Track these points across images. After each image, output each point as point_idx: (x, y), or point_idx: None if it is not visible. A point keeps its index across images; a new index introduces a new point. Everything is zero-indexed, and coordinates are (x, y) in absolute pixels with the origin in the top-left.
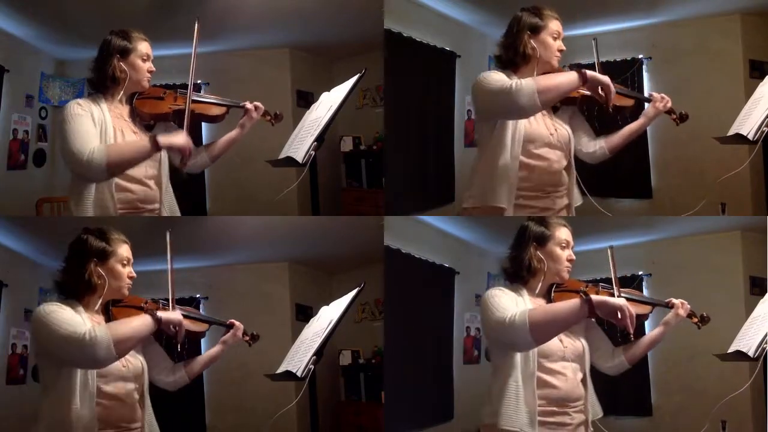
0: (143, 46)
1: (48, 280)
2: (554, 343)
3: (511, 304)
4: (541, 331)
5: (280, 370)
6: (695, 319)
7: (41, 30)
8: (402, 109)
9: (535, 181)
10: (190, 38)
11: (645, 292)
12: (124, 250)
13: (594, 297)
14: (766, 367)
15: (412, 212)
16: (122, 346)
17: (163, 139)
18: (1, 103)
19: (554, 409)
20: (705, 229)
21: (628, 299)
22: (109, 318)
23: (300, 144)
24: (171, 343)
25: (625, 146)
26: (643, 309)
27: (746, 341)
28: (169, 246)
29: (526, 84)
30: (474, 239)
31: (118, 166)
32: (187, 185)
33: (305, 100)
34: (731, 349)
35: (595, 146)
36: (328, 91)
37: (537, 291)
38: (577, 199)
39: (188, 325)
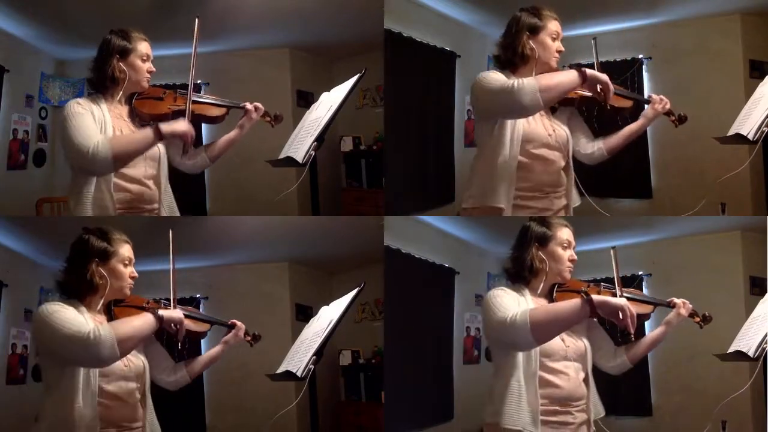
0: (143, 46)
1: (48, 280)
2: (556, 343)
3: (513, 304)
4: (542, 330)
5: (280, 370)
6: (697, 319)
7: (41, 30)
8: (402, 109)
9: (534, 182)
10: (190, 38)
11: (645, 292)
12: (126, 250)
13: (595, 297)
14: (766, 367)
15: (412, 212)
16: (125, 345)
17: (166, 127)
18: (1, 103)
19: (557, 408)
20: (705, 229)
21: (630, 299)
22: (110, 318)
23: (300, 144)
24: (172, 343)
25: (623, 147)
26: (644, 309)
27: (746, 341)
28: (171, 245)
29: (528, 83)
30: (474, 239)
31: (123, 158)
32: (187, 185)
33: (305, 100)
34: (731, 349)
35: (594, 147)
36: (328, 91)
37: (539, 291)
38: (576, 200)
39: (190, 325)
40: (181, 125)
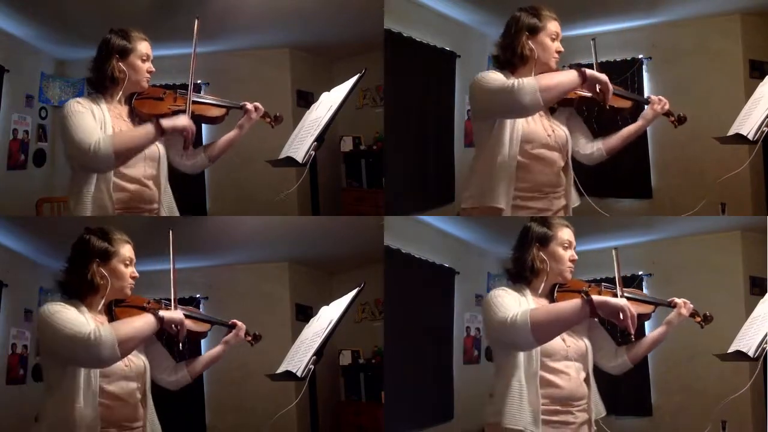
0: (143, 46)
1: (48, 280)
2: (557, 343)
3: (514, 304)
4: (542, 331)
5: (280, 370)
6: (698, 319)
7: (41, 30)
8: (402, 109)
9: (533, 182)
10: (190, 38)
11: (645, 292)
12: (127, 251)
13: (595, 297)
14: (766, 367)
15: (412, 212)
16: (126, 346)
17: (167, 122)
18: (1, 103)
19: (558, 408)
20: (705, 229)
21: (631, 299)
22: (111, 318)
23: (300, 144)
24: (172, 343)
25: (622, 148)
26: (645, 308)
27: (746, 341)
28: (171, 247)
29: (528, 82)
30: (474, 239)
31: (125, 154)
32: (187, 185)
33: (305, 100)
34: (731, 349)
35: (593, 148)
36: (328, 91)
37: (540, 291)
38: (575, 200)
39: (190, 325)
40: (182, 120)
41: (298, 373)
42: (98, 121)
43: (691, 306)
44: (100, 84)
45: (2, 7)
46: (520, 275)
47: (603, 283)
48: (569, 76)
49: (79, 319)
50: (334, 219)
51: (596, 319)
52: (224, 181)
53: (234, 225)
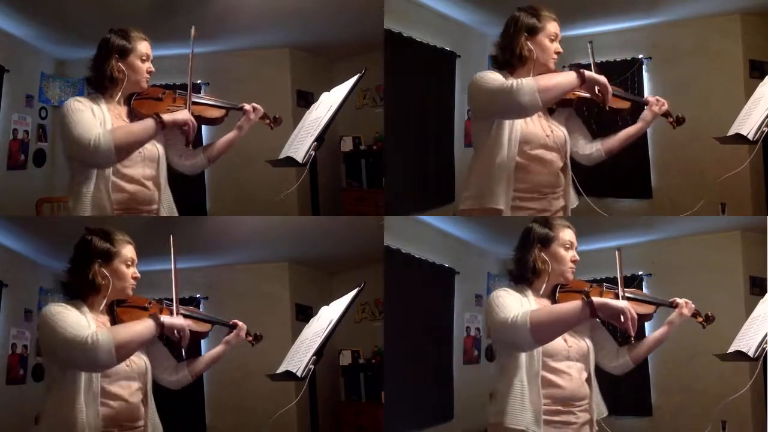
0: (143, 46)
1: (48, 280)
2: (559, 343)
3: (516, 304)
4: (541, 332)
5: (280, 370)
6: (700, 319)
7: (41, 30)
8: (402, 109)
9: (532, 183)
10: (190, 39)
11: (645, 292)
12: (128, 251)
13: (595, 299)
14: (766, 367)
15: (412, 212)
16: (123, 351)
17: (167, 116)
18: (1, 103)
19: (559, 408)
20: (705, 229)
21: (632, 299)
22: (113, 318)
23: (300, 144)
24: (173, 342)
25: (621, 149)
26: (647, 309)
27: (746, 341)
28: (173, 250)
29: (527, 83)
30: (474, 239)
31: (125, 148)
32: (187, 185)
33: (305, 100)
34: (731, 349)
35: (592, 148)
36: (328, 91)
37: (542, 292)
38: (574, 201)
39: (191, 325)
40: (182, 114)
41: (298, 373)
42: (98, 120)
43: (693, 306)
44: (99, 83)
45: (2, 7)
46: (522, 276)
47: (605, 284)
48: (568, 78)
49: (78, 322)
50: (334, 219)
51: (598, 320)
52: (224, 181)
53: (234, 225)
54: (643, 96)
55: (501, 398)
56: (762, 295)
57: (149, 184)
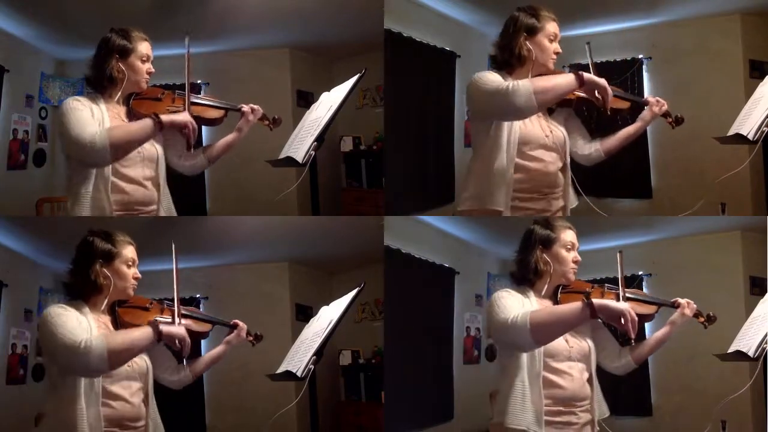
0: (143, 47)
1: (48, 280)
2: (560, 343)
3: (517, 305)
4: (541, 332)
5: (280, 370)
6: (701, 319)
7: (41, 30)
8: (402, 109)
9: (531, 183)
10: (191, 39)
11: (645, 291)
12: (130, 252)
13: (596, 301)
14: (766, 367)
15: (412, 212)
16: (117, 358)
17: (166, 117)
18: (1, 103)
19: (561, 408)
20: (705, 229)
21: (633, 299)
22: (114, 318)
23: (300, 144)
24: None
25: (621, 149)
26: (648, 309)
27: (746, 341)
28: (174, 254)
29: (523, 85)
30: (474, 239)
31: (122, 147)
32: (187, 185)
33: (305, 100)
34: (731, 349)
35: (591, 148)
36: (328, 91)
37: (543, 293)
38: (573, 201)
39: (192, 325)
40: (182, 116)
41: (298, 373)
42: (96, 119)
43: (695, 306)
44: (98, 83)
45: (2, 7)
46: (524, 277)
47: (606, 285)
48: (566, 80)
49: (75, 326)
50: (334, 219)
51: (599, 320)
52: (224, 181)
53: (234, 225)
54: (642, 96)
55: (502, 398)
56: (762, 295)
57: (148, 184)
